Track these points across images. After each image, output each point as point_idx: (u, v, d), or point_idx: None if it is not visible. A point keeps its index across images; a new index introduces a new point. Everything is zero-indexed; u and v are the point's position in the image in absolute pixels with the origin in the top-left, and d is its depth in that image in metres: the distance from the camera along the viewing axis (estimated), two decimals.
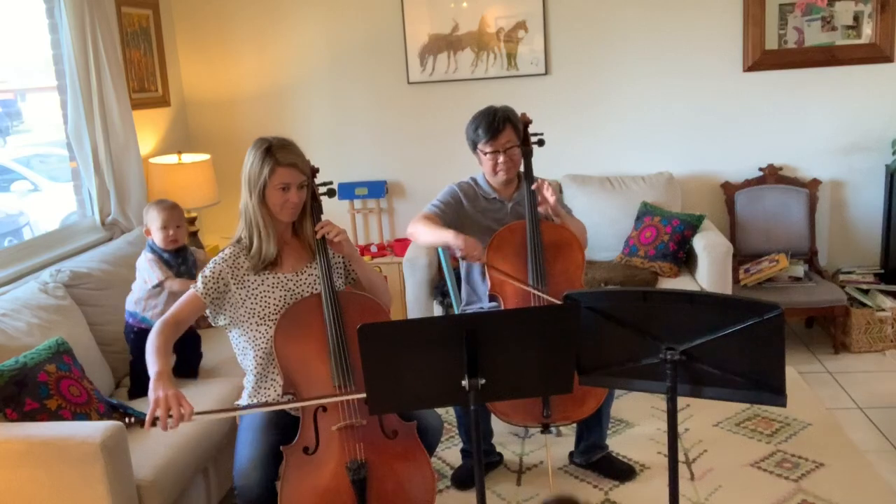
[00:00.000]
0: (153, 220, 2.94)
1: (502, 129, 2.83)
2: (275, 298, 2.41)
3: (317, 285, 2.45)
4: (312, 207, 2.48)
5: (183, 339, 3.05)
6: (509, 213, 2.97)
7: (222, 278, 2.38)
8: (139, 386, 2.99)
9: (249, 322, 2.41)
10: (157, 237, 2.95)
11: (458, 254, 2.74)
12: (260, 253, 2.39)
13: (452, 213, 2.93)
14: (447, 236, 2.76)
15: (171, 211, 2.96)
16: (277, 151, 2.33)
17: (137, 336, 2.95)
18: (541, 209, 2.86)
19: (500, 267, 2.81)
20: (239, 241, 2.43)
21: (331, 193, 2.57)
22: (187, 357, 3.10)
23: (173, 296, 2.92)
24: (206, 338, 3.34)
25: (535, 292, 2.75)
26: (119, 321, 3.09)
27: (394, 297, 4.40)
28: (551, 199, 2.81)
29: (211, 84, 4.72)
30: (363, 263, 2.55)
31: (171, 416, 2.01)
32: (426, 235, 2.85)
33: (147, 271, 2.93)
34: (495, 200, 2.98)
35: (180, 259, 2.99)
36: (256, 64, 4.66)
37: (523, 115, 2.98)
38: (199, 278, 2.38)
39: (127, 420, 2.16)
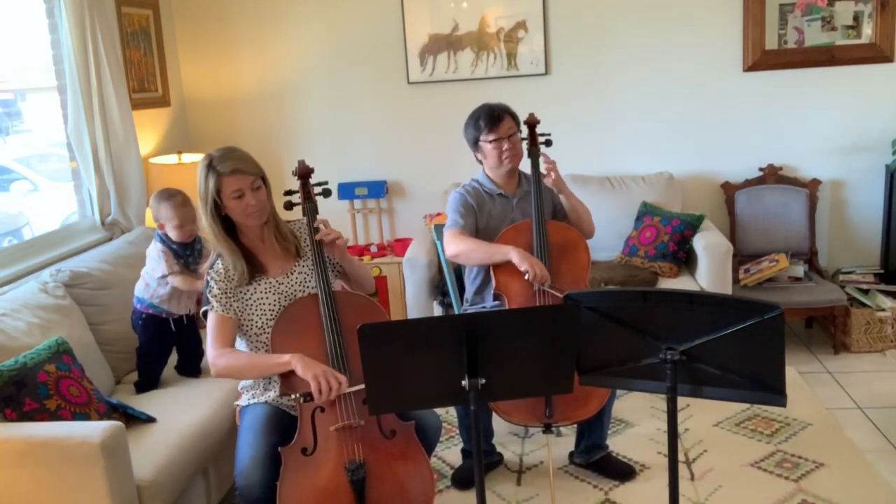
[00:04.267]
0: (169, 218, 2.93)
1: (502, 117, 2.88)
2: (269, 304, 2.41)
3: (307, 283, 2.45)
4: (306, 209, 2.47)
5: (184, 340, 3.07)
6: (515, 208, 2.98)
7: (225, 292, 2.37)
8: (147, 377, 3.00)
9: (249, 332, 2.41)
10: (173, 233, 2.95)
11: (527, 276, 2.72)
12: (234, 269, 2.37)
13: (473, 221, 2.94)
14: (510, 254, 2.75)
15: (184, 208, 2.95)
16: (218, 164, 2.30)
17: (146, 322, 2.98)
18: (547, 181, 2.91)
19: (506, 266, 2.82)
20: (220, 255, 2.41)
21: (326, 193, 2.51)
22: (189, 356, 3.11)
23: (177, 289, 2.94)
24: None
25: (543, 287, 2.76)
26: (119, 321, 3.09)
27: (394, 297, 4.40)
28: (553, 171, 2.90)
29: (211, 84, 4.72)
30: (349, 257, 2.55)
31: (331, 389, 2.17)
32: (479, 253, 2.83)
33: (155, 261, 2.95)
34: (501, 197, 2.99)
35: (188, 251, 2.99)
36: (256, 64, 4.66)
37: (531, 115, 3.01)
38: (211, 300, 2.36)
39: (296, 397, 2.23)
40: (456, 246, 2.86)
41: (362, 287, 2.59)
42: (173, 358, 3.12)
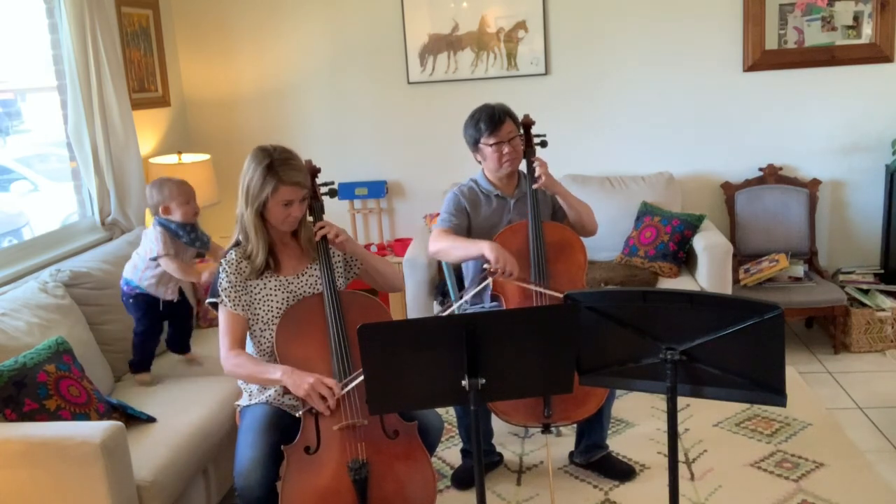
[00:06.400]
0: (175, 196, 2.93)
1: (503, 120, 2.87)
2: (277, 301, 2.41)
3: (318, 286, 2.45)
4: (314, 208, 2.48)
5: (174, 311, 3.05)
6: (513, 209, 2.98)
7: (234, 286, 2.37)
8: (143, 356, 3.01)
9: (253, 326, 2.41)
10: (179, 211, 2.94)
11: (492, 268, 2.70)
12: (253, 260, 2.39)
13: (464, 222, 2.93)
14: (483, 247, 2.74)
15: (186, 185, 2.98)
16: (280, 168, 2.31)
17: (137, 300, 2.98)
18: (540, 183, 2.88)
19: None
20: (237, 244, 2.43)
21: (332, 193, 2.57)
22: (179, 331, 3.12)
23: (163, 276, 2.94)
24: (207, 337, 3.35)
25: (539, 289, 2.76)
26: (119, 321, 3.10)
27: (394, 296, 4.40)
28: (545, 173, 2.87)
29: (211, 84, 4.71)
30: (367, 254, 2.57)
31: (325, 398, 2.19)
32: (458, 250, 2.84)
33: (151, 242, 2.93)
34: (498, 198, 2.98)
35: (189, 228, 2.98)
36: (256, 64, 4.65)
37: (526, 116, 3.01)
38: (221, 294, 2.37)
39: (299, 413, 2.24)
40: (438, 243, 2.88)
41: (388, 283, 2.60)
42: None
